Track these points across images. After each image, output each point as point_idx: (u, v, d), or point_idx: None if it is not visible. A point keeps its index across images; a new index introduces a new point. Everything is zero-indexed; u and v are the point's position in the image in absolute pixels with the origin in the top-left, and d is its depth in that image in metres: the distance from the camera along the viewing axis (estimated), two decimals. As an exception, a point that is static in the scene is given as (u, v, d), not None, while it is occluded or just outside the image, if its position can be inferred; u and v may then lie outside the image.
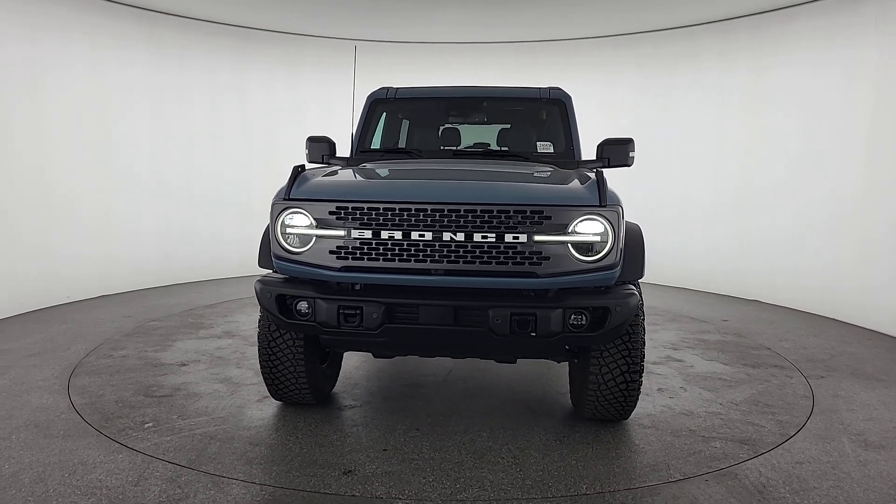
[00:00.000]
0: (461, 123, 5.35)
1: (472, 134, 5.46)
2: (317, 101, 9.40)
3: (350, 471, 3.56)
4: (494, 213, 3.36)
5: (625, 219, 3.54)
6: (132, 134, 8.08)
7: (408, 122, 5.57)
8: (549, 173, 3.98)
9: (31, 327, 6.29)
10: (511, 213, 3.36)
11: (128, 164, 8.04)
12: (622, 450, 3.84)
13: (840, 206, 7.18)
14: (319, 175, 3.84)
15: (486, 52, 9.72)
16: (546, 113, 5.06)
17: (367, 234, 3.44)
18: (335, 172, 4.00)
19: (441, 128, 5.36)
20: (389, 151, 4.95)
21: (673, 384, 4.94)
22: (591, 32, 9.19)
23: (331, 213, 3.50)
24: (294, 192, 3.58)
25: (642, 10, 8.03)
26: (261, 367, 4.20)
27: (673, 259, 8.94)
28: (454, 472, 3.55)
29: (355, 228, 3.45)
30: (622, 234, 3.45)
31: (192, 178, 8.78)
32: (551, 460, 3.69)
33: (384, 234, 3.42)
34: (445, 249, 3.39)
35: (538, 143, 4.88)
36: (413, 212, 3.40)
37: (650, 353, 5.56)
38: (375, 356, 4.28)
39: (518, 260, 3.37)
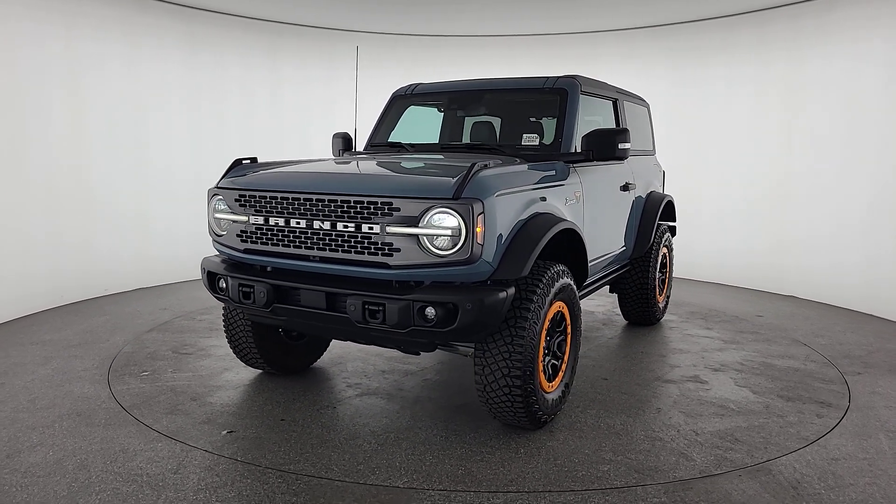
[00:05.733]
0: (465, 116, 5.47)
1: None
2: (348, 96, 9.45)
3: (232, 432, 3.92)
4: (351, 203, 3.52)
5: (495, 213, 3.42)
6: (167, 131, 8.21)
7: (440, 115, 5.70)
8: (456, 166, 3.77)
9: (71, 319, 6.46)
10: (365, 204, 3.48)
11: (163, 161, 8.17)
12: (494, 456, 3.64)
13: (879, 200, 7.03)
14: (250, 168, 4.18)
15: (519, 45, 9.70)
16: (545, 103, 4.90)
17: (260, 220, 3.83)
18: (268, 165, 4.24)
19: (449, 121, 5.57)
20: (392, 146, 5.17)
21: (653, 404, 4.44)
22: (623, 24, 9.10)
23: (235, 200, 3.94)
24: (221, 182, 4.08)
25: (676, 1, 7.92)
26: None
27: (708, 255, 8.82)
28: (310, 448, 3.71)
29: (252, 215, 3.87)
30: (483, 228, 3.34)
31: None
32: (413, 453, 3.67)
33: (271, 221, 3.78)
34: (315, 237, 3.65)
35: (524, 136, 4.76)
36: (290, 200, 3.71)
37: (677, 371, 5.16)
38: (318, 336, 4.82)
39: (372, 250, 3.49)
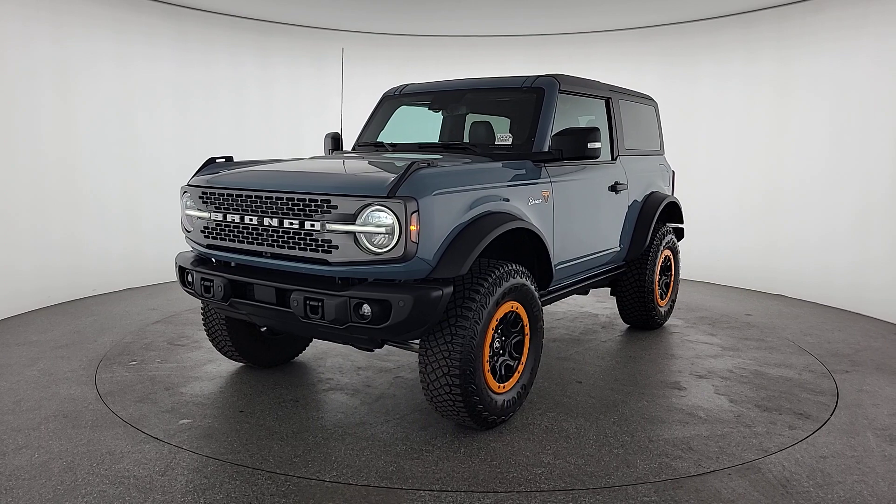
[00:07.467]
0: (448, 116, 5.52)
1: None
2: (339, 95, 9.44)
3: (186, 421, 4.04)
4: (295, 200, 3.59)
5: (432, 211, 3.42)
6: (157, 130, 8.16)
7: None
8: (400, 165, 3.75)
9: (58, 319, 6.41)
10: (307, 202, 3.55)
11: (153, 160, 8.12)
12: (432, 455, 3.64)
13: (869, 202, 7.06)
14: (223, 166, 4.27)
15: (513, 45, 9.72)
16: (524, 102, 4.83)
17: (220, 216, 3.93)
18: (241, 164, 4.30)
19: (448, 121, 5.58)
20: (375, 146, 5.23)
21: (617, 409, 4.31)
22: (613, 25, 9.11)
23: (199, 197, 4.05)
24: (191, 180, 4.19)
25: (665, 2, 7.94)
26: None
27: (701, 255, 8.82)
28: (255, 440, 3.79)
29: (213, 211, 3.97)
30: (418, 227, 3.34)
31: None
32: (354, 448, 3.69)
33: (229, 218, 3.88)
34: (265, 234, 3.74)
35: (498, 135, 4.74)
36: (244, 198, 3.79)
37: (659, 376, 5.03)
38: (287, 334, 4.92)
39: (314, 247, 3.56)
